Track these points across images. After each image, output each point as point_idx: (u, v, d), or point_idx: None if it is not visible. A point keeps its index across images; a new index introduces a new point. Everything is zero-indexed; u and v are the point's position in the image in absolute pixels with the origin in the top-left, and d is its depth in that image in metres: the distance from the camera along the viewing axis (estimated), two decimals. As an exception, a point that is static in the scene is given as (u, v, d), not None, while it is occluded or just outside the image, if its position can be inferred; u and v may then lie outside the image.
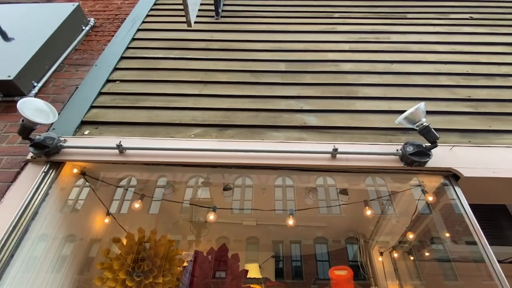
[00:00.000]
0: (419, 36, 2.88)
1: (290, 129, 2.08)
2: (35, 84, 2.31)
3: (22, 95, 2.20)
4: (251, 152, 1.87)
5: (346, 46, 2.77)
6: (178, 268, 2.20)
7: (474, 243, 1.64)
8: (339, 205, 2.37)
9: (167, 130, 2.08)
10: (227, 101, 2.28)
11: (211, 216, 2.14)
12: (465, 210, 1.70)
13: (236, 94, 2.33)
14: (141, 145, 1.91)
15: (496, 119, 2.12)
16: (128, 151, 1.89)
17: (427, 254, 2.64)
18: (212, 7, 3.15)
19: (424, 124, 1.70)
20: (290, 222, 2.09)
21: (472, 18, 3.14)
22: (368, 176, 2.05)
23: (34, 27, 2.41)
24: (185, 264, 2.21)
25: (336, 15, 3.23)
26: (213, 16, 3.14)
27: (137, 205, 2.14)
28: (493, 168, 1.80)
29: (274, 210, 2.29)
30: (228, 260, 2.14)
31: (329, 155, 1.85)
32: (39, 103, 1.77)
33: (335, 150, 1.81)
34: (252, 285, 2.18)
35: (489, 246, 1.56)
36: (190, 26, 1.99)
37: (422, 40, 2.83)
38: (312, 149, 1.87)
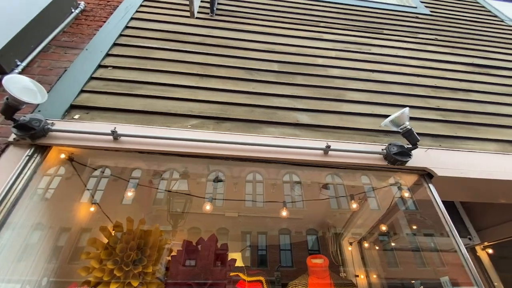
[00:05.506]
0: (395, 50, 2.98)
1: (285, 125, 2.03)
2: (19, 63, 2.01)
3: (4, 73, 1.90)
4: (248, 145, 1.78)
5: (333, 53, 2.78)
6: (167, 257, 2.05)
7: (445, 234, 1.71)
8: (325, 198, 2.37)
9: (164, 119, 1.92)
10: (223, 95, 2.16)
11: (207, 207, 2.01)
12: (438, 206, 1.77)
13: (232, 89, 2.22)
14: (137, 132, 1.73)
15: (461, 127, 2.25)
16: (123, 138, 1.71)
17: (393, 244, 2.75)
18: (207, 4, 3.00)
19: (408, 127, 1.74)
20: (284, 213, 2.04)
21: (437, 40, 3.32)
22: (352, 173, 2.06)
23: (21, 4, 2.09)
24: (174, 253, 2.06)
25: (322, 24, 3.24)
26: (207, 13, 2.98)
27: (130, 193, 1.94)
28: (460, 169, 1.90)
29: (273, 201, 2.22)
30: (217, 249, 2.04)
31: (321, 152, 1.82)
32: (26, 81, 1.53)
33: (328, 147, 1.79)
34: (238, 273, 2.10)
35: (459, 237, 1.64)
36: (193, 17, 1.84)
37: (397, 54, 2.93)
38: (306, 145, 1.83)
